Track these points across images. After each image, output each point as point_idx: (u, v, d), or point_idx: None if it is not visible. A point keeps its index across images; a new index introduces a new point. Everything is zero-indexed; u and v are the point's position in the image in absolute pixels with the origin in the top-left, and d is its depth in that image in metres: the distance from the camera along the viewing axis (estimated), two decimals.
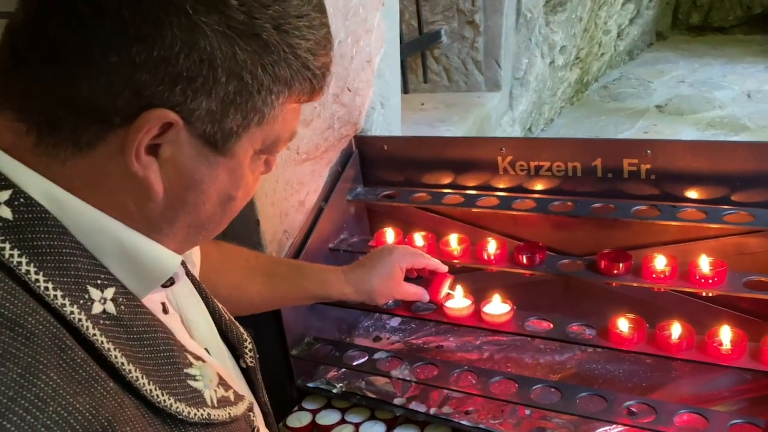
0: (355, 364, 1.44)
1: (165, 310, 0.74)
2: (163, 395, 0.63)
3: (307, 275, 1.31)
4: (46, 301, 0.57)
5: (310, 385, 1.49)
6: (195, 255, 0.92)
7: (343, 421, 1.44)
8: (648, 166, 1.35)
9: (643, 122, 4.09)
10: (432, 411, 1.35)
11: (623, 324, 1.27)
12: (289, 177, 1.46)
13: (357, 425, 1.42)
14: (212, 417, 0.69)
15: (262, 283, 1.24)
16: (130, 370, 0.61)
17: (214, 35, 0.58)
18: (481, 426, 1.30)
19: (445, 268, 1.39)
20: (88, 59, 0.57)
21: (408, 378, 1.37)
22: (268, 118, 0.65)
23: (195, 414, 0.67)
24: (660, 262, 1.29)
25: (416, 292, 1.36)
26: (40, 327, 0.55)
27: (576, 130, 4.02)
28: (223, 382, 0.75)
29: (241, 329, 0.90)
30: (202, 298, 0.84)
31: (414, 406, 1.37)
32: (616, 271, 1.31)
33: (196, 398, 0.68)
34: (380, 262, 1.31)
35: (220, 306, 0.87)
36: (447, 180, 1.57)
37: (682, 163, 1.32)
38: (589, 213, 1.39)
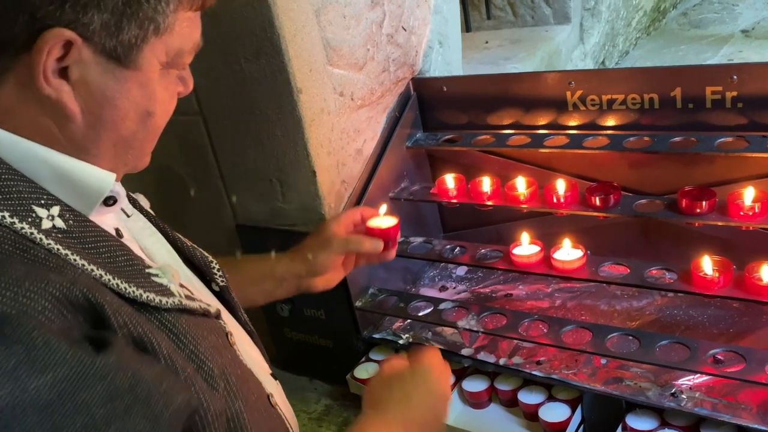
0: (420, 315, 1.41)
1: (119, 235, 0.77)
2: (130, 287, 0.67)
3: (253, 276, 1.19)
4: None
5: (377, 336, 1.47)
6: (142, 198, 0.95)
7: None
8: (734, 93, 1.23)
9: (728, 49, 3.80)
10: (502, 361, 1.30)
11: (708, 266, 1.18)
12: (345, 125, 1.40)
13: None
14: (185, 304, 0.73)
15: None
16: (92, 269, 0.65)
17: None
18: (554, 376, 1.25)
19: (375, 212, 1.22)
20: None
21: (475, 328, 1.32)
22: (164, 26, 0.68)
23: (167, 301, 0.71)
24: (748, 197, 1.19)
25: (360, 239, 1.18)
26: None
27: (653, 62, 3.77)
28: (186, 287, 0.78)
29: (206, 253, 0.92)
30: (159, 230, 0.88)
31: (483, 356, 1.32)
32: (699, 210, 1.22)
33: (163, 290, 0.72)
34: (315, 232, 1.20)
35: (179, 235, 0.91)
36: (512, 120, 1.49)
37: None
38: (668, 148, 1.28)
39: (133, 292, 0.67)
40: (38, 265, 0.60)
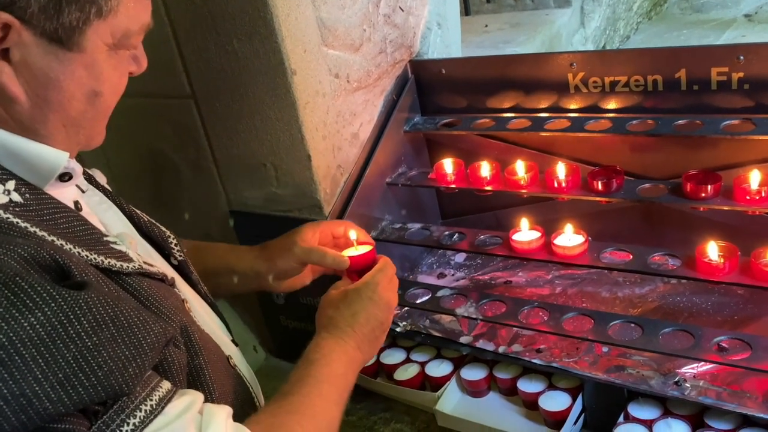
0: (418, 302, 1.38)
1: (78, 208, 0.78)
2: (91, 254, 0.69)
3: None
4: None
5: None
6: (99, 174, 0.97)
7: (408, 360, 1.39)
8: (740, 74, 1.20)
9: (730, 34, 3.76)
10: (501, 349, 1.28)
11: (713, 252, 1.15)
12: (341, 108, 1.37)
13: (423, 364, 1.37)
14: (144, 268, 0.76)
15: None
16: (53, 240, 0.66)
17: None
18: (554, 365, 1.22)
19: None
20: None
21: (474, 316, 1.30)
22: (107, 9, 0.69)
23: (127, 266, 0.73)
24: (755, 181, 1.16)
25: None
26: None
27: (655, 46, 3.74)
28: (142, 257, 0.81)
29: (163, 228, 0.94)
30: (117, 205, 0.89)
31: (481, 344, 1.30)
32: (703, 194, 1.19)
33: (123, 256, 0.74)
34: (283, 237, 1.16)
35: (137, 211, 0.92)
36: (512, 103, 1.45)
37: None
38: (672, 131, 1.25)
39: (95, 258, 0.69)
40: (2, 234, 0.62)
